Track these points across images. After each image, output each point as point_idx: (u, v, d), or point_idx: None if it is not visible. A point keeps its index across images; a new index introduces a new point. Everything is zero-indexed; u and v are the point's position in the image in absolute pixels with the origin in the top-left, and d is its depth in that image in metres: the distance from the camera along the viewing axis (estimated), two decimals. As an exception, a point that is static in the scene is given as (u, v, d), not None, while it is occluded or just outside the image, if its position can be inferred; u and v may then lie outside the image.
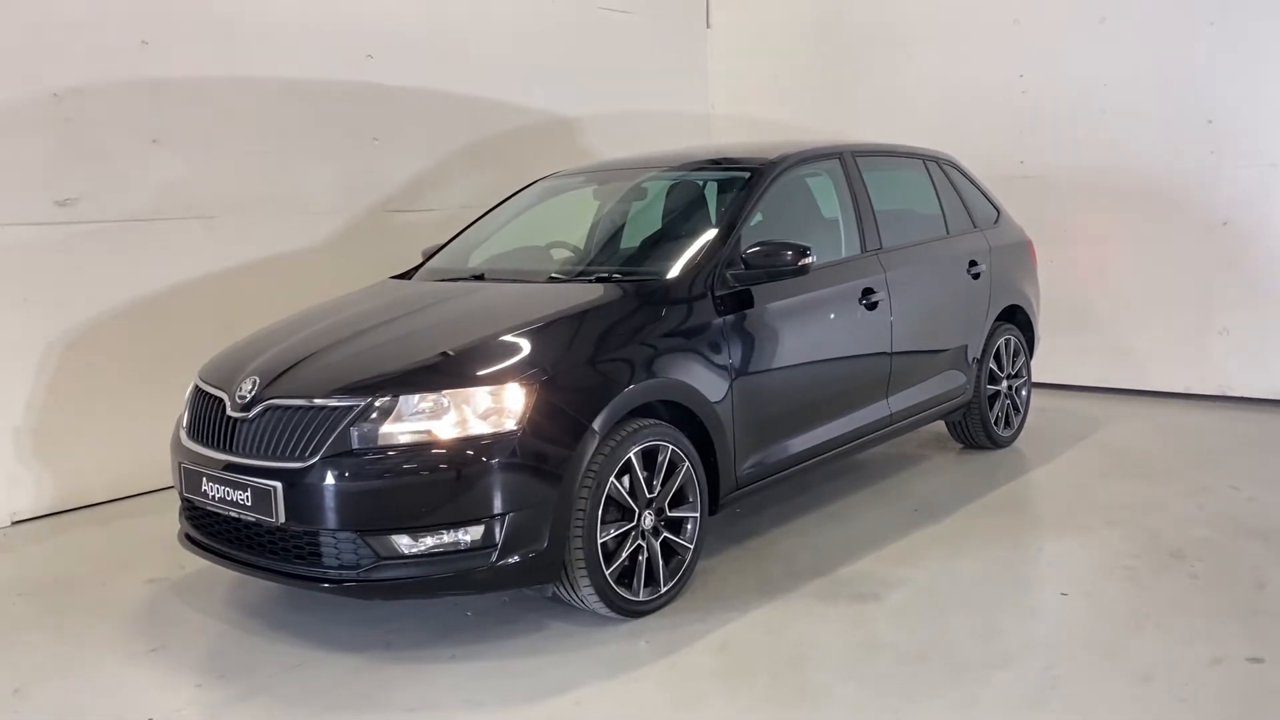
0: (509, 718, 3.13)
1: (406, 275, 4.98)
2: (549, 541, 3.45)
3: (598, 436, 3.53)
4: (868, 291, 4.73)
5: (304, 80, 6.20)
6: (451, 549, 3.37)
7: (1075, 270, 7.12)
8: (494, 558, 3.39)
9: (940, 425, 5.82)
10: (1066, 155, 7.16)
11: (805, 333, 4.44)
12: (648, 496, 3.72)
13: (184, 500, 3.91)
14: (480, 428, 3.38)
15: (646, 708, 3.14)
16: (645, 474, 3.69)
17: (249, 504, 3.51)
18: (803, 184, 4.89)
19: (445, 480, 3.34)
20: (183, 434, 3.90)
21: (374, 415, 3.40)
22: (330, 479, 3.37)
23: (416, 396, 3.42)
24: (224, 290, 5.94)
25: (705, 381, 3.94)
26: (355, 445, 3.39)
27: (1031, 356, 6.12)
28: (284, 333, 4.11)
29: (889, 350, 4.87)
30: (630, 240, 4.79)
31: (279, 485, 3.42)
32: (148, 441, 5.63)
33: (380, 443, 3.38)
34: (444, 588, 3.45)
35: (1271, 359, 6.61)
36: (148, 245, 5.64)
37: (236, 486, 3.55)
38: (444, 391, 3.42)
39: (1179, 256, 6.84)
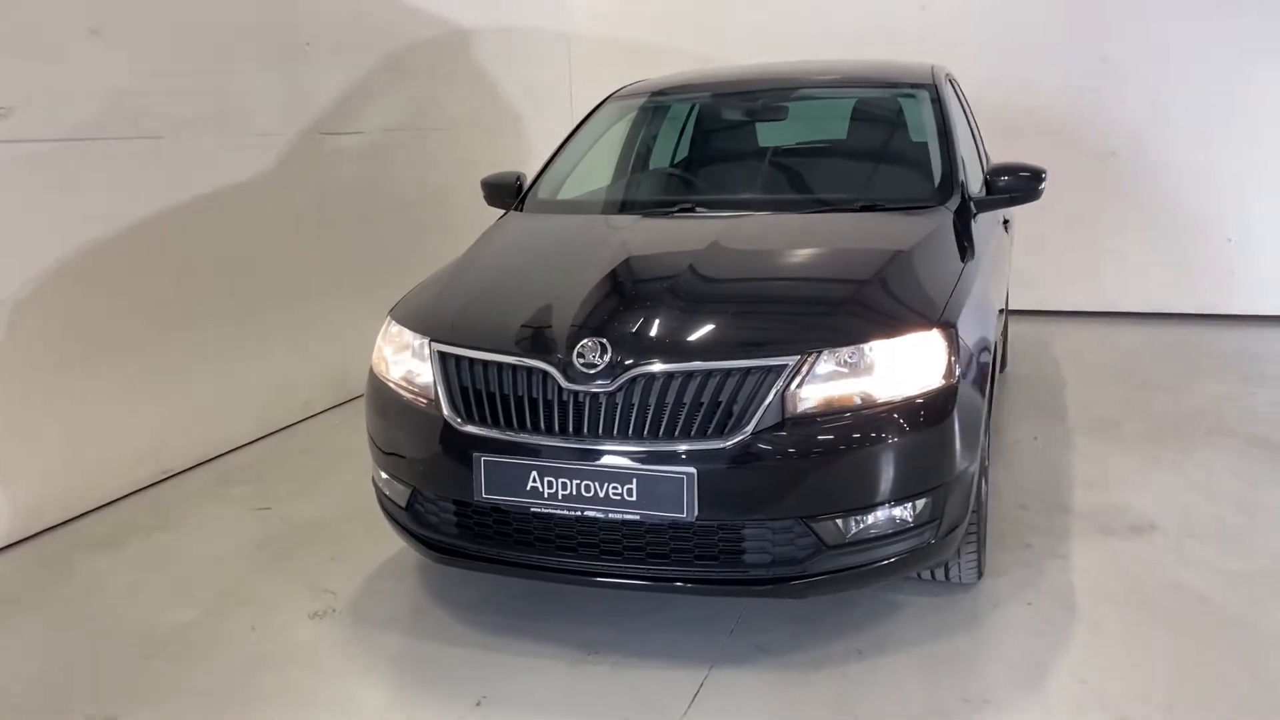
0: (1034, 708, 2.74)
1: (518, 209, 4.15)
2: (969, 509, 3.03)
3: (992, 383, 3.14)
4: (1006, 222, 4.62)
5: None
6: (894, 529, 2.85)
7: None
8: (939, 533, 2.92)
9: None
10: (966, 88, 7.39)
11: (1004, 263, 4.26)
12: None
13: (458, 504, 2.99)
14: (913, 383, 2.84)
15: (1153, 674, 2.87)
16: None
17: (633, 499, 2.75)
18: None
19: (895, 448, 2.80)
20: (452, 419, 2.95)
21: (801, 376, 2.77)
22: (768, 458, 2.72)
23: (843, 351, 2.83)
24: (180, 230, 4.62)
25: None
26: (787, 413, 2.75)
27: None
28: (535, 281, 3.28)
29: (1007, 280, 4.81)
30: (844, 164, 4.27)
31: (693, 472, 2.70)
32: (109, 435, 4.31)
33: (812, 408, 2.77)
34: (883, 574, 2.91)
35: (1153, 276, 7.37)
36: (92, 173, 4.23)
37: (608, 478, 2.76)
38: (869, 343, 2.85)
39: (1072, 184, 7.36)
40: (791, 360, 2.76)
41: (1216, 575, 3.44)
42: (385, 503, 3.28)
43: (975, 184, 3.95)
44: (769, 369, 2.76)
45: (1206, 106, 7.02)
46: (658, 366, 2.78)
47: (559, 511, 2.83)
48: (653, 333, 2.87)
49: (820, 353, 2.80)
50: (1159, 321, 7.28)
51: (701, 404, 2.75)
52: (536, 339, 2.95)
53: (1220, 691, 2.79)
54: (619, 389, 2.78)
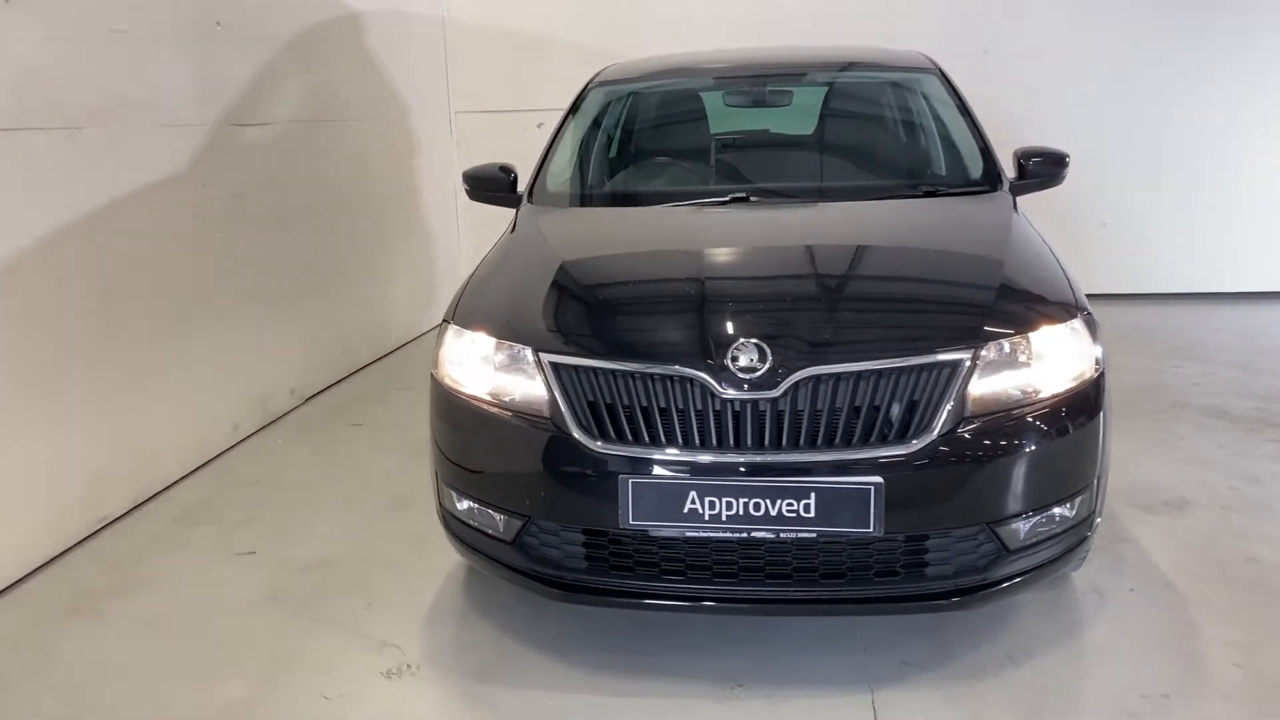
0: (1213, 697, 2.68)
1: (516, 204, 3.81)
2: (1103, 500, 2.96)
3: (1102, 371, 3.07)
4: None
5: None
6: (1059, 527, 2.71)
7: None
8: (1093, 528, 2.82)
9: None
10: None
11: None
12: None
13: (589, 533, 2.64)
14: (1070, 374, 2.72)
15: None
16: None
17: (810, 515, 2.49)
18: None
19: (1065, 443, 2.68)
20: (582, 439, 2.59)
21: (976, 371, 2.59)
22: (955, 461, 2.53)
23: (1009, 343, 2.66)
24: (102, 236, 3.95)
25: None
26: (966, 412, 2.56)
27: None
28: (636, 281, 2.98)
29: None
30: (887, 149, 4.10)
31: (880, 481, 2.48)
32: (37, 480, 3.64)
33: (987, 406, 2.59)
34: (1044, 574, 2.76)
35: (1034, 260, 7.68)
36: (5, 170, 3.53)
37: (782, 494, 2.49)
38: (1030, 333, 2.71)
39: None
40: (967, 355, 2.58)
41: (1276, 545, 3.52)
42: (471, 537, 2.88)
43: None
44: (945, 365, 2.57)
45: (1080, 98, 7.39)
46: (828, 368, 2.53)
47: (720, 534, 2.54)
48: (812, 332, 2.62)
49: (989, 346, 2.63)
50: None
51: (878, 407, 2.53)
52: (677, 344, 2.64)
53: (1361, 661, 2.84)
54: (784, 394, 2.52)
